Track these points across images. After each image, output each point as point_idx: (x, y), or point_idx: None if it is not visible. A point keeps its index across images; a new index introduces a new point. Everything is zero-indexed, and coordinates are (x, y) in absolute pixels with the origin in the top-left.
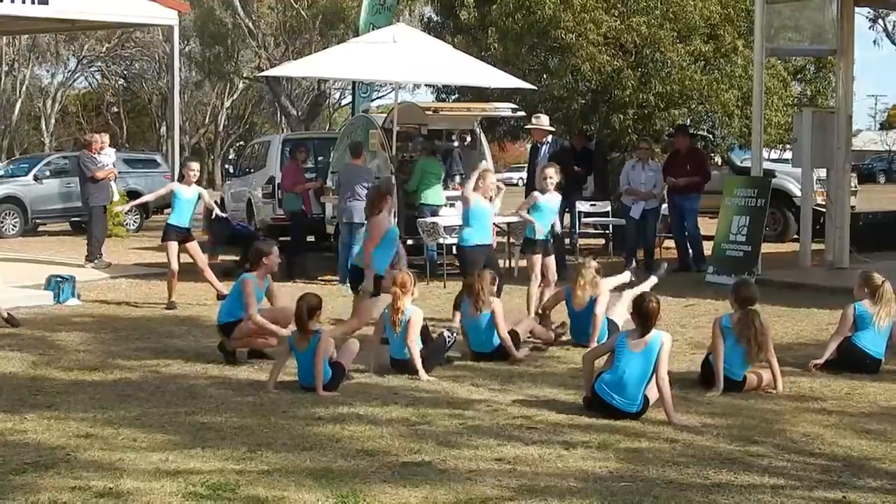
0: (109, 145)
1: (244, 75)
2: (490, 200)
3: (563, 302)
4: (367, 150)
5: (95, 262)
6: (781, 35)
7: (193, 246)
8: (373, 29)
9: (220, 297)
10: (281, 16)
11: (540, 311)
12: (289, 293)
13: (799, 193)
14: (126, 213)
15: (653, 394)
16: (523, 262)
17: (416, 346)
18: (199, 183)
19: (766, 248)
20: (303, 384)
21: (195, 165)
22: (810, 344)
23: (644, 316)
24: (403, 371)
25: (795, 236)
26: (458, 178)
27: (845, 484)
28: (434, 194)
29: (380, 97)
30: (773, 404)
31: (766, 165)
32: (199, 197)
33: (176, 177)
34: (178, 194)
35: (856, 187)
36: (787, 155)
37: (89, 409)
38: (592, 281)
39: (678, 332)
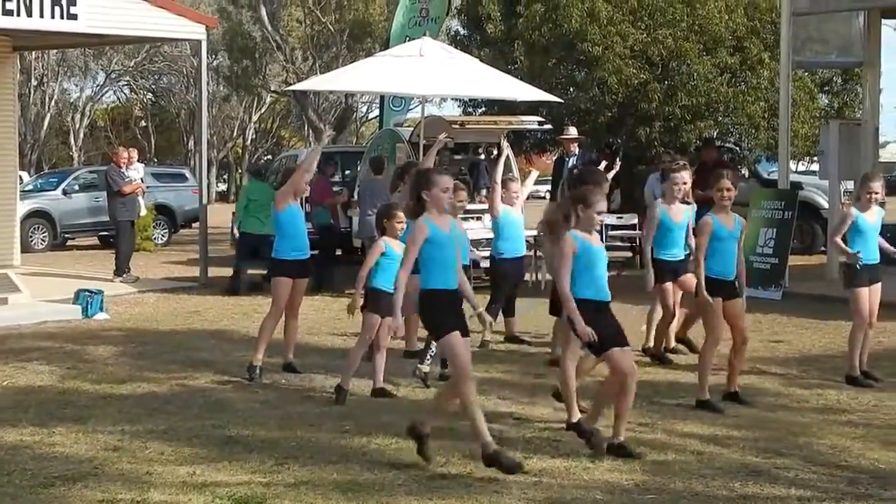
0: (138, 160)
1: (272, 89)
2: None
3: None
4: (391, 164)
5: (123, 276)
6: (808, 47)
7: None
8: (408, 41)
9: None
10: (309, 30)
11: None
12: (316, 306)
13: (826, 206)
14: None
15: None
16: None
17: None
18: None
19: (794, 260)
20: None
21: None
22: (837, 356)
23: None
24: None
25: (823, 248)
26: (484, 192)
27: (872, 496)
28: (257, 223)
29: (409, 110)
30: (799, 416)
31: (794, 178)
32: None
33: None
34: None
35: (883, 200)
36: (814, 167)
37: (118, 422)
38: None
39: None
